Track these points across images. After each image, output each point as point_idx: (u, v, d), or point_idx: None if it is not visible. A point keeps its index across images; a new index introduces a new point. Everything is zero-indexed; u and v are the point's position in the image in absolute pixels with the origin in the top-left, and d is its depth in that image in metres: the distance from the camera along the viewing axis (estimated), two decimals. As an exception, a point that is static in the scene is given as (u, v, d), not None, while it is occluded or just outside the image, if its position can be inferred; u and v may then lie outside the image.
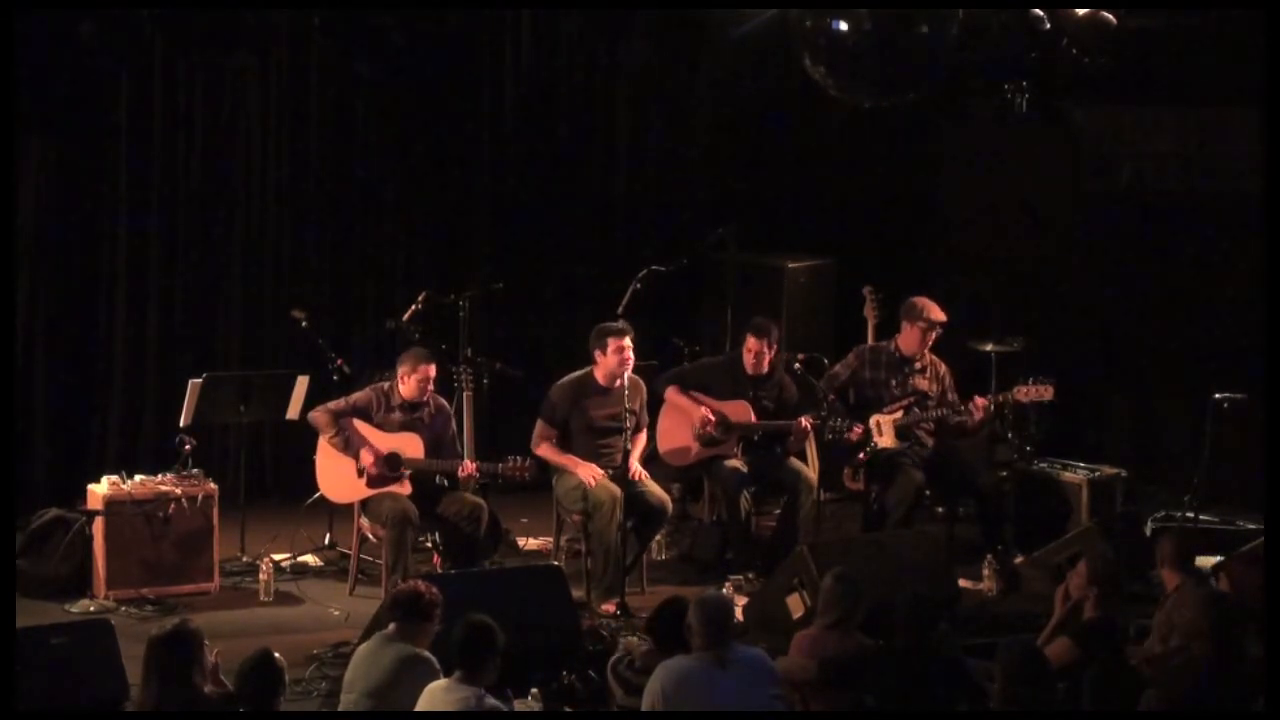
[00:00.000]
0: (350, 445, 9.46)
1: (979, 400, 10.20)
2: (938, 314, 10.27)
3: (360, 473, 9.46)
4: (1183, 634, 7.36)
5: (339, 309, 11.64)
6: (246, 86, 11.25)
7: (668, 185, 12.53)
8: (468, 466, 9.47)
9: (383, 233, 11.84)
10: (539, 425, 9.75)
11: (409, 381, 9.51)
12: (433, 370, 9.55)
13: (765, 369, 10.12)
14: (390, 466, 9.44)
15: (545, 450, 9.70)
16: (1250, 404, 10.50)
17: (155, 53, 10.89)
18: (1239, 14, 10.91)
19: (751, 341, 10.09)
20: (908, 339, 10.32)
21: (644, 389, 9.90)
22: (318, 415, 9.61)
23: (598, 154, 12.45)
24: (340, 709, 7.17)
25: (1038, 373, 10.16)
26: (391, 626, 7.14)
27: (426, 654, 7.02)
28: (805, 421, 9.96)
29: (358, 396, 9.64)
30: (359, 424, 9.51)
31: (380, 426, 9.52)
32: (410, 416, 9.56)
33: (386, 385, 9.64)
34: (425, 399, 9.59)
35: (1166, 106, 12.09)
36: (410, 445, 9.49)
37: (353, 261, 11.75)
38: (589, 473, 9.54)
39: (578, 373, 9.82)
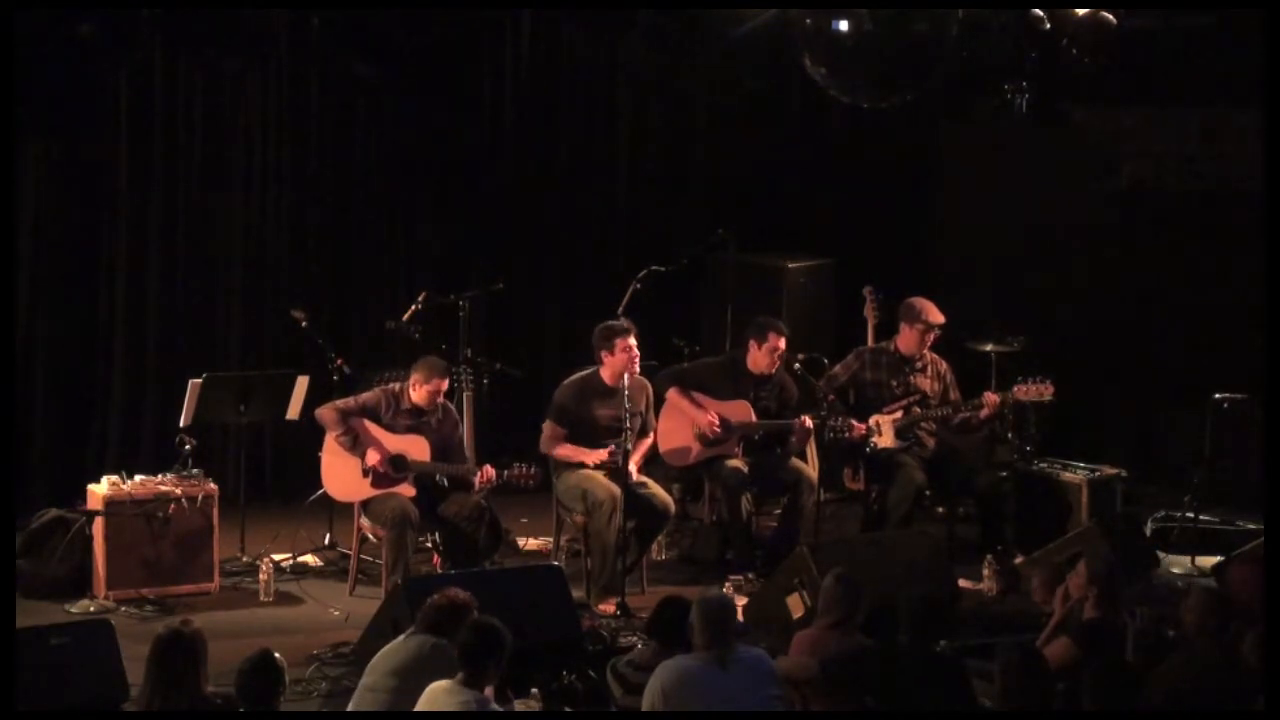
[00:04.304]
0: (358, 444, 9.45)
1: (989, 396, 10.19)
2: (936, 315, 10.26)
3: (366, 472, 9.45)
4: (1183, 634, 7.36)
5: (339, 309, 11.64)
6: (246, 86, 11.25)
7: (668, 185, 12.53)
8: (488, 472, 9.38)
9: (382, 232, 11.83)
10: (549, 427, 9.71)
11: (420, 390, 9.48)
12: (445, 385, 9.50)
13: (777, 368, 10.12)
14: (396, 467, 9.44)
15: (562, 450, 9.67)
16: (1250, 404, 10.50)
17: (155, 53, 10.89)
18: (1239, 14, 10.92)
19: (776, 340, 10.00)
20: (906, 340, 10.32)
21: (650, 391, 9.88)
22: (325, 412, 9.59)
23: (598, 154, 12.44)
24: (356, 691, 7.09)
25: (1037, 373, 10.18)
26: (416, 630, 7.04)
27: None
28: (807, 420, 9.95)
29: (366, 397, 9.62)
30: (367, 424, 9.52)
31: (388, 428, 9.50)
32: (418, 420, 9.54)
33: (397, 387, 9.61)
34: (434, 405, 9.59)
35: (1166, 106, 12.09)
36: (416, 447, 9.47)
37: (352, 261, 11.75)
38: (593, 457, 9.55)
39: (583, 372, 9.80)
